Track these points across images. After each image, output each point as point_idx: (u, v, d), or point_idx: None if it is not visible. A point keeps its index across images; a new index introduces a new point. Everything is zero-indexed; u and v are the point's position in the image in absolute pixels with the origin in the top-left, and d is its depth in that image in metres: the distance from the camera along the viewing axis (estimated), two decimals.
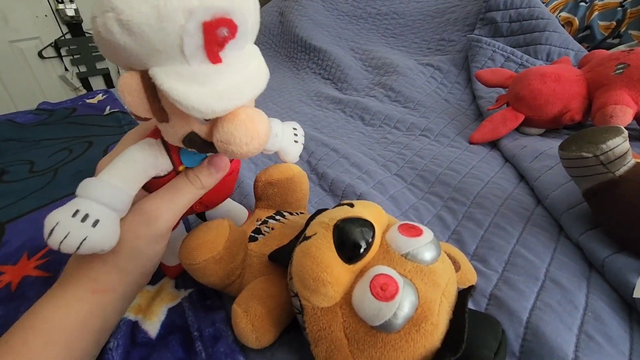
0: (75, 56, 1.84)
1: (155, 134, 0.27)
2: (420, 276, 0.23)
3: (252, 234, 0.34)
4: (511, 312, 0.28)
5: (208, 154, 0.29)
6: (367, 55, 1.08)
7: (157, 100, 0.22)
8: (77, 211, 0.23)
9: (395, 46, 1.11)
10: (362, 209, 0.25)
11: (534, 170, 0.46)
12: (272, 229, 0.34)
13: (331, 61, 1.10)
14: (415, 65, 0.92)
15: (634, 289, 0.28)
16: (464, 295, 0.24)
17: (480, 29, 0.89)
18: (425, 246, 0.24)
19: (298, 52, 1.29)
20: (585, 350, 0.25)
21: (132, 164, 0.25)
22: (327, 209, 0.28)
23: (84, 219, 0.22)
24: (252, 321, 0.27)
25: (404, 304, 0.21)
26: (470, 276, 0.29)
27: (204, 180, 0.28)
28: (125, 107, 0.26)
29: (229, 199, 0.45)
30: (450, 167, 0.52)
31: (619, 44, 0.73)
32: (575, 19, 0.79)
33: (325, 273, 0.22)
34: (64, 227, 0.22)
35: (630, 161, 0.33)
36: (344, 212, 0.25)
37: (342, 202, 0.27)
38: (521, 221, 0.39)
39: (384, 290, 0.21)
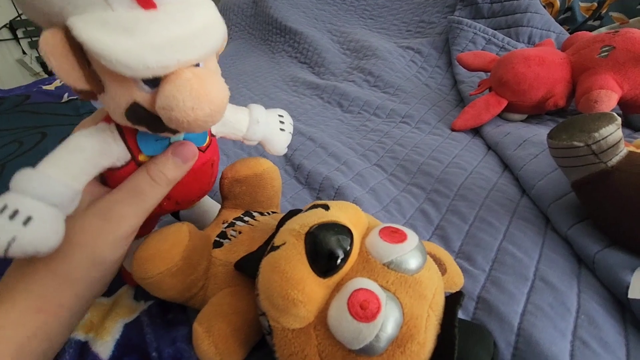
0: (33, 38, 1.71)
1: (109, 117, 0.23)
2: (405, 288, 0.20)
3: (217, 239, 0.30)
4: (501, 318, 0.25)
5: (171, 140, 0.25)
6: (345, 37, 1.03)
7: (87, 64, 0.18)
8: (5, 206, 0.19)
9: (374, 28, 1.07)
10: (338, 212, 0.22)
11: (518, 159, 0.44)
12: (240, 232, 0.30)
13: (308, 44, 1.05)
14: (395, 49, 0.88)
15: (627, 287, 0.26)
16: (452, 304, 0.21)
17: (460, 10, 0.86)
18: (410, 253, 0.21)
19: (273, 35, 1.23)
20: (581, 358, 0.23)
21: (78, 153, 0.21)
22: (300, 211, 0.25)
23: (12, 216, 0.19)
24: (215, 342, 0.24)
25: (387, 324, 0.18)
26: (457, 279, 0.27)
27: (170, 174, 0.24)
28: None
29: (206, 197, 0.40)
30: (432, 156, 0.49)
31: (600, 26, 0.71)
32: (557, 0, 0.77)
33: (296, 290, 0.19)
34: None
35: (623, 150, 0.31)
36: (317, 216, 0.22)
37: (315, 203, 0.24)
38: (507, 214, 0.37)
39: (364, 309, 0.18)
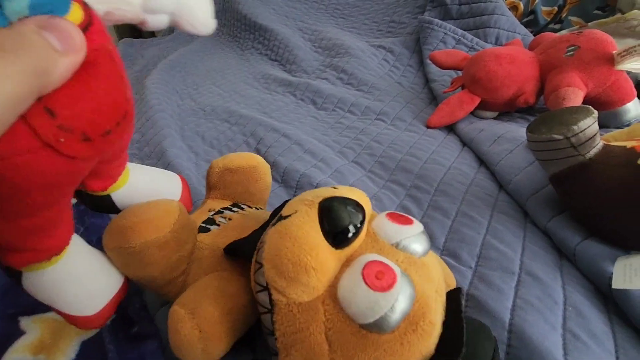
0: None
1: None
2: (415, 268, 0.19)
3: (203, 225, 0.27)
4: (492, 315, 0.25)
5: (6, 13, 0.13)
6: (316, 35, 1.02)
7: None
8: None
9: (345, 27, 1.07)
10: (348, 192, 0.21)
11: (494, 154, 0.44)
12: (230, 219, 0.28)
13: (278, 41, 1.03)
14: (367, 47, 0.88)
15: (610, 278, 0.27)
16: (455, 295, 0.20)
17: (430, 11, 0.87)
18: (417, 236, 0.21)
19: (242, 31, 1.19)
20: (574, 352, 0.23)
21: None
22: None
23: None
24: (199, 325, 0.20)
25: (401, 297, 0.17)
26: (449, 281, 0.26)
27: (61, 36, 0.13)
28: None
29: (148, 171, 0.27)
30: (410, 152, 0.49)
31: (560, 29, 0.75)
32: (521, 3, 0.80)
33: (310, 256, 0.18)
34: None
35: (599, 143, 0.31)
36: (329, 191, 0.21)
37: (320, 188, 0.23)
38: (487, 208, 0.37)
39: (380, 279, 0.17)
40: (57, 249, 0.20)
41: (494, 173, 0.43)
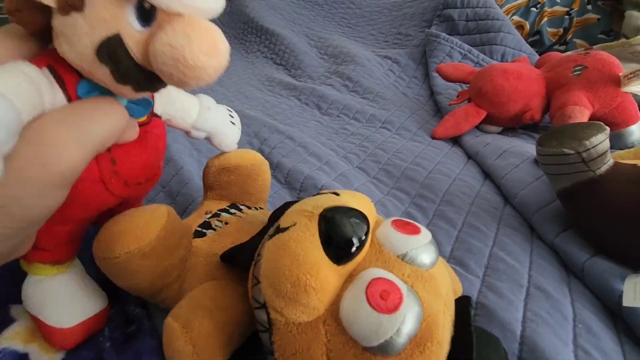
0: None
1: (40, 60, 0.17)
2: (422, 282, 0.18)
3: (199, 229, 0.26)
4: (503, 325, 0.24)
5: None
6: (322, 42, 1.03)
7: None
8: None
9: (351, 36, 1.07)
10: (351, 199, 0.20)
11: (499, 168, 0.44)
12: (226, 223, 0.27)
13: (284, 46, 1.03)
14: (373, 57, 0.89)
15: (620, 296, 0.26)
16: (463, 306, 0.19)
17: (437, 26, 0.88)
18: (424, 246, 0.19)
19: (248, 34, 1.20)
20: None
21: (26, 83, 0.16)
22: (298, 202, 0.22)
23: None
24: (193, 341, 0.20)
25: (408, 318, 0.16)
26: (456, 286, 0.25)
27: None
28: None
29: None
30: (415, 162, 0.49)
31: (565, 50, 0.76)
32: (527, 23, 0.81)
33: (309, 275, 0.16)
34: None
35: (610, 160, 0.31)
36: (330, 200, 0.19)
37: (321, 192, 0.22)
38: (493, 221, 0.37)
39: (385, 299, 0.16)
40: (65, 259, 0.24)
41: (499, 186, 0.43)
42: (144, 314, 0.26)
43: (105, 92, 0.18)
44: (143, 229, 0.21)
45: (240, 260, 0.22)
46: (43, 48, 0.18)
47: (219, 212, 0.29)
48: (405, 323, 0.16)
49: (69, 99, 0.18)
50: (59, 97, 0.17)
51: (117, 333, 0.25)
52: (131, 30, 0.16)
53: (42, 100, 0.16)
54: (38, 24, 0.16)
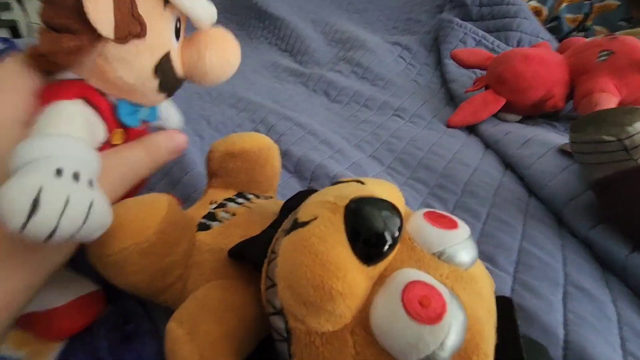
0: None
1: (66, 93, 0.18)
2: (462, 284, 0.16)
3: (203, 221, 0.24)
4: (545, 328, 0.22)
5: (141, 117, 0.22)
6: (329, 28, 0.99)
7: (132, 5, 0.17)
8: (59, 169, 0.15)
9: (359, 23, 1.04)
10: (378, 187, 0.17)
11: (524, 158, 0.42)
12: (234, 214, 0.24)
13: (290, 31, 0.99)
14: (382, 43, 0.85)
15: None
16: (505, 309, 0.17)
17: (449, 11, 0.85)
18: (464, 243, 0.17)
19: (251, 19, 1.16)
20: None
21: (83, 123, 0.18)
22: (314, 191, 0.20)
23: (75, 177, 0.15)
24: (200, 348, 0.17)
25: (454, 329, 0.13)
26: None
27: (167, 144, 0.23)
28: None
29: None
30: (432, 150, 0.46)
31: (585, 37, 0.72)
32: (545, 8, 0.78)
33: (335, 279, 0.14)
34: (56, 191, 0.14)
35: None
36: (355, 189, 0.16)
37: (341, 180, 0.19)
38: (519, 213, 0.34)
39: (426, 307, 0.14)
40: None
41: (522, 177, 0.40)
42: (143, 311, 0.24)
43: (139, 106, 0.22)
44: (140, 223, 0.19)
45: (250, 257, 0.20)
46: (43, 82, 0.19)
47: (225, 202, 0.26)
48: (449, 335, 0.13)
49: (106, 123, 0.20)
50: (100, 125, 0.19)
51: (115, 332, 0.22)
52: (173, 47, 0.20)
53: (93, 129, 0.19)
54: (68, 64, 0.17)
